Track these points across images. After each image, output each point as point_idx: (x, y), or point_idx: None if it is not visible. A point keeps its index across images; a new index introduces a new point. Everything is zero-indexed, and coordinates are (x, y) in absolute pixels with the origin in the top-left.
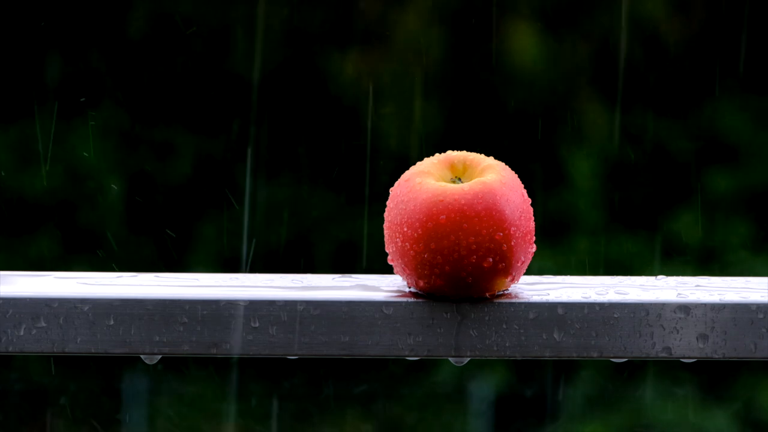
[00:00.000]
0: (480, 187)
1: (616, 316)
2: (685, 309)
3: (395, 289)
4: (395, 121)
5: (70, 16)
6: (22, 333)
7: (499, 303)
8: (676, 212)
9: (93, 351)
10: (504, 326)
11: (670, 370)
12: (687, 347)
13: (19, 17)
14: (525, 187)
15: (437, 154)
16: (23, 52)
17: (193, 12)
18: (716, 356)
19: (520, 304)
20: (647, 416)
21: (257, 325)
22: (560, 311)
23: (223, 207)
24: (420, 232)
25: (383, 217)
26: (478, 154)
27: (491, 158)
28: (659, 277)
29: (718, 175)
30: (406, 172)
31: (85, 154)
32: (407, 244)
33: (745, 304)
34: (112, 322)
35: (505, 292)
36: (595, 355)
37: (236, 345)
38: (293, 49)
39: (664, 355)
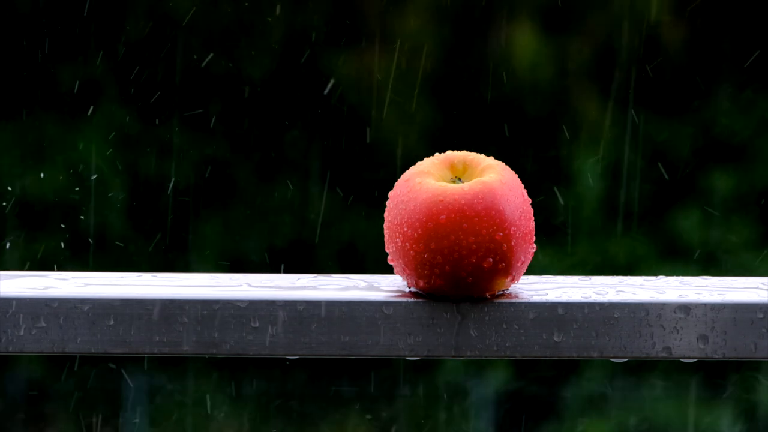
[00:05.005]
0: (480, 187)
1: (616, 316)
2: (685, 309)
3: (395, 289)
4: (395, 121)
5: (71, 16)
6: (22, 333)
7: (499, 303)
8: (677, 212)
9: (93, 351)
10: (504, 326)
11: (670, 369)
12: (687, 347)
13: (21, 18)
14: (525, 187)
15: (437, 154)
16: (25, 53)
17: (194, 12)
18: (716, 356)
19: (520, 304)
20: (648, 416)
21: (257, 325)
22: (560, 311)
23: (224, 207)
24: (420, 232)
25: (383, 217)
26: (478, 154)
27: (491, 158)
28: (659, 277)
29: (719, 174)
30: (406, 172)
31: (86, 154)
32: (407, 244)
33: (745, 304)
34: (112, 322)
35: (505, 292)
36: (595, 355)
37: (236, 345)
38: (293, 49)
39: (664, 355)
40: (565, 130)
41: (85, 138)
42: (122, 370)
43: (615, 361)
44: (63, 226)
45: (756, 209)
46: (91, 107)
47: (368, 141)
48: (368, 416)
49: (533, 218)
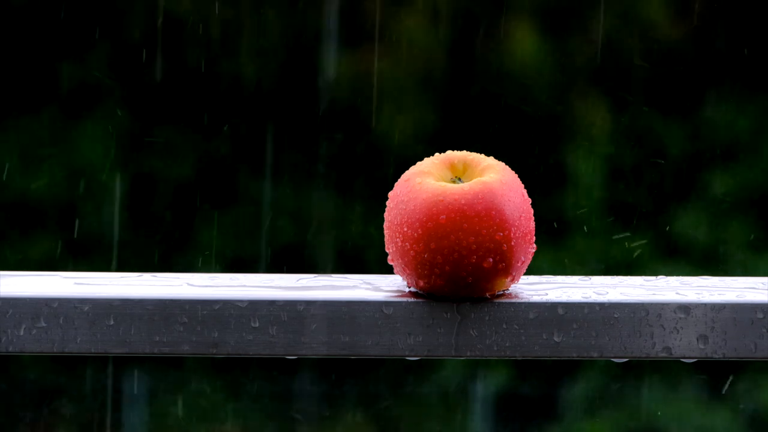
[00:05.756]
0: (480, 187)
1: (616, 316)
2: (685, 309)
3: (395, 289)
4: (395, 121)
5: (72, 16)
6: (22, 333)
7: (499, 303)
8: (677, 212)
9: (93, 351)
10: (504, 326)
11: (670, 369)
12: (687, 347)
13: (21, 18)
14: (525, 187)
15: (437, 154)
16: (25, 52)
17: (194, 11)
18: (716, 356)
19: (520, 304)
20: (648, 416)
21: (257, 325)
22: (560, 311)
23: (224, 207)
24: (420, 232)
25: (383, 217)
26: (478, 154)
27: (491, 158)
28: (659, 277)
29: (719, 174)
30: (406, 172)
31: (86, 154)
32: (407, 244)
33: (745, 304)
34: (112, 322)
35: (505, 292)
36: (595, 355)
37: (236, 345)
38: (293, 49)
39: (664, 355)
40: (565, 130)
41: (84, 138)
42: (122, 370)
43: (615, 361)
44: (63, 226)
45: (756, 209)
46: (91, 107)
47: (368, 141)
48: (368, 416)
49: (533, 218)
